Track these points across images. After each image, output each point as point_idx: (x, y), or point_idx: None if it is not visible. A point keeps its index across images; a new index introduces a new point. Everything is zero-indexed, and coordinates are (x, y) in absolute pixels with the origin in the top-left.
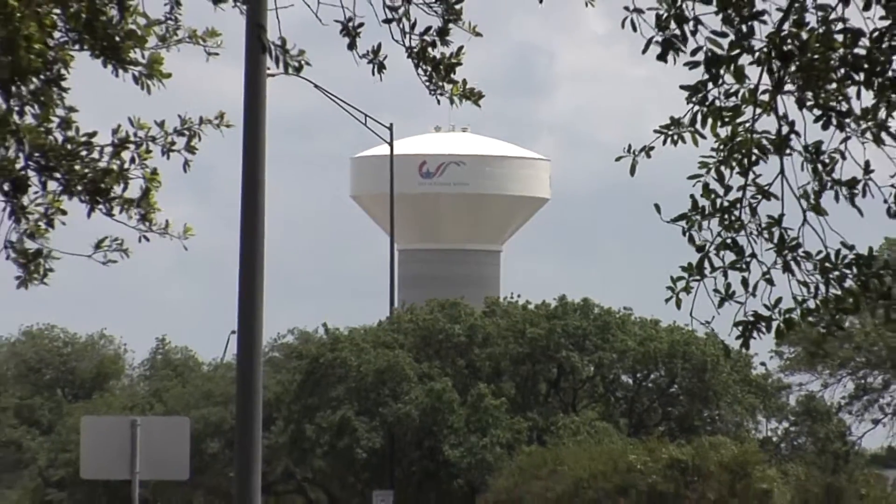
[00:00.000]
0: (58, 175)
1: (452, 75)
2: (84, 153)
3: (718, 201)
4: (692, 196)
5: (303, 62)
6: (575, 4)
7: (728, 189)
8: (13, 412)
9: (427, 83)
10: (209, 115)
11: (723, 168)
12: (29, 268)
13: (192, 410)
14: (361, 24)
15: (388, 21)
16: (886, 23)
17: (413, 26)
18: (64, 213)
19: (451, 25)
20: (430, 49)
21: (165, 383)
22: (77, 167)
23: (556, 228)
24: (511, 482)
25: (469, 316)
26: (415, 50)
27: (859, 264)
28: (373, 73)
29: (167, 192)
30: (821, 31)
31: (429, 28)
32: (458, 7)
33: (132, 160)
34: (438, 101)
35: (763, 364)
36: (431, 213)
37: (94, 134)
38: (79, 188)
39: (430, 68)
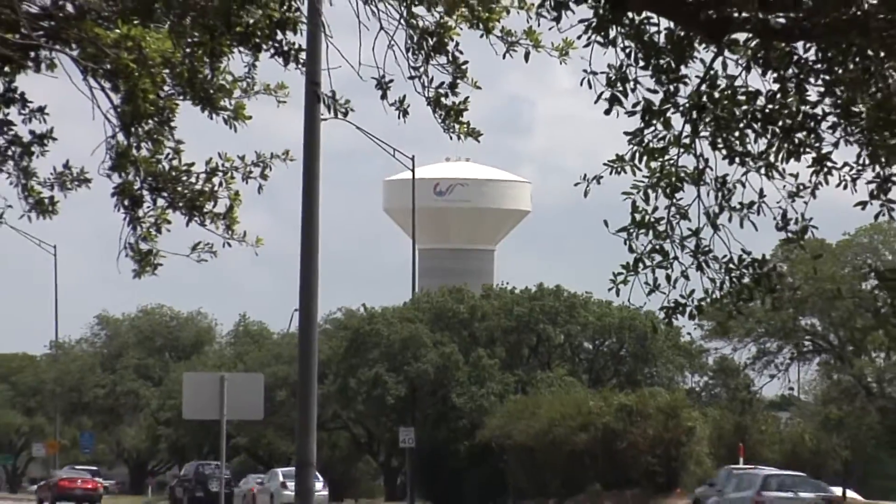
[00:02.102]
0: (164, 194)
1: (460, 118)
2: (185, 178)
3: (648, 217)
4: (632, 214)
5: (347, 109)
6: (550, 66)
7: (655, 208)
8: (133, 369)
9: (441, 124)
10: (278, 149)
11: (650, 192)
12: (142, 263)
13: (266, 368)
14: (391, 80)
15: (411, 78)
16: (777, 86)
17: (430, 81)
18: (169, 222)
19: (458, 81)
20: (443, 98)
21: (246, 348)
22: (179, 188)
23: (535, 233)
24: (502, 422)
25: (471, 298)
26: (432, 99)
27: (754, 266)
28: (398, 117)
29: (247, 205)
30: (728, 91)
31: (442, 83)
32: (464, 67)
33: (220, 184)
34: (451, 138)
35: (689, 334)
36: (443, 222)
37: (192, 164)
38: (180, 204)
39: (443, 113)
